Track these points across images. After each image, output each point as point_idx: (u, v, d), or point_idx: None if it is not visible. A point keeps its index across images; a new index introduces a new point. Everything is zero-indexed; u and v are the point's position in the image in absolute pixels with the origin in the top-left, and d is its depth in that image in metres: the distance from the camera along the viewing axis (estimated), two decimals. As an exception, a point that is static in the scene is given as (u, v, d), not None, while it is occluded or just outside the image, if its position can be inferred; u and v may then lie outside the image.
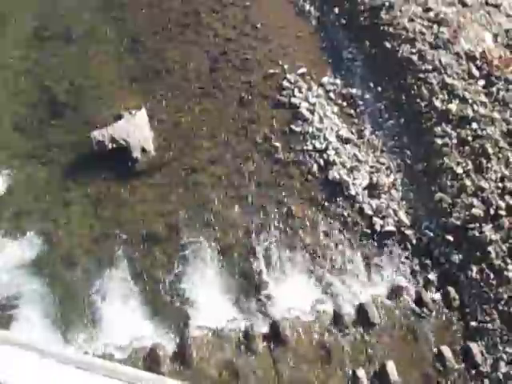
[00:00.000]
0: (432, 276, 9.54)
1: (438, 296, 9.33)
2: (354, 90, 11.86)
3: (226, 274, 9.57)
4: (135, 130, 10.85)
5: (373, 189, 10.50)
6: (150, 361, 8.51)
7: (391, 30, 12.08)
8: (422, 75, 11.28)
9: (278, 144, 11.16)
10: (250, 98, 11.68)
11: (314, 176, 10.70)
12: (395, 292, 9.48)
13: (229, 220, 10.16)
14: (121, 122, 11.00)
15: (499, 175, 9.86)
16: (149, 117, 11.20)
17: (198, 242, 9.86)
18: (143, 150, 10.80)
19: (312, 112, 11.46)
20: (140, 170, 10.72)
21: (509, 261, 9.09)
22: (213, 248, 9.81)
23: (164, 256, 9.76)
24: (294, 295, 9.28)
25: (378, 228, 10.10)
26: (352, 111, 11.59)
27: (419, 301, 9.27)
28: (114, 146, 10.70)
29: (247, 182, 10.64)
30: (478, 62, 11.24)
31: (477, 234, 9.47)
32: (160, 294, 9.30)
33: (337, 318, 9.13)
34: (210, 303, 9.14)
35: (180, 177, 10.71)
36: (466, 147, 10.29)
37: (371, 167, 10.83)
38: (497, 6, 12.12)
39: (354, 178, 10.63)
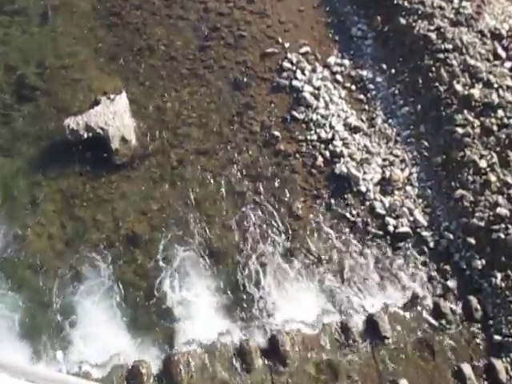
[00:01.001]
0: (451, 284, 9.56)
1: (457, 306, 9.34)
2: (364, 72, 11.89)
3: (218, 281, 9.54)
4: (114, 117, 10.83)
5: (385, 184, 10.50)
6: (132, 380, 8.44)
7: (406, 3, 12.05)
8: (441, 56, 11.28)
9: (277, 133, 11.16)
10: (245, 80, 11.70)
11: (319, 170, 10.70)
12: (410, 302, 9.46)
13: (222, 220, 10.16)
14: (98, 107, 10.95)
15: (528, 169, 9.95)
16: (130, 102, 11.19)
17: (186, 246, 9.86)
18: (123, 140, 10.77)
19: (316, 97, 11.46)
20: (120, 162, 10.67)
21: (539, 267, 9.19)
22: (203, 252, 9.80)
23: (147, 261, 9.70)
24: (295, 305, 9.29)
25: (390, 229, 10.09)
26: (362, 96, 11.61)
27: (437, 312, 9.28)
28: (90, 135, 10.66)
29: (242, 176, 10.65)
30: (504, 42, 11.22)
31: (502, 237, 9.41)
32: (143, 305, 9.27)
33: (344, 331, 9.09)
34: (200, 314, 9.13)
35: (165, 170, 10.67)
36: (491, 138, 10.27)
37: (383, 160, 10.81)
38: (526, -22, 12.26)
39: (364, 173, 10.61)
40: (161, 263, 9.65)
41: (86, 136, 10.64)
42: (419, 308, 9.30)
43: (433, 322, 9.18)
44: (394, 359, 8.84)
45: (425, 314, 9.22)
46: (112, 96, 11.15)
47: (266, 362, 8.74)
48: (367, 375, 8.72)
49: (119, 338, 8.90)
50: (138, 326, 9.05)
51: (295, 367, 8.65)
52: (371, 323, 9.13)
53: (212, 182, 10.60)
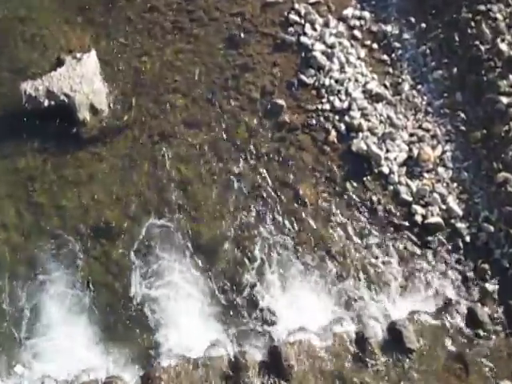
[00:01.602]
0: (491, 286, 9.47)
1: (497, 313, 9.27)
2: (388, 28, 11.75)
3: (209, 281, 9.48)
4: (81, 81, 10.74)
5: (413, 165, 10.38)
6: None
7: None
8: (482, 7, 11.09)
9: (281, 102, 11.03)
10: (242, 36, 11.59)
11: (332, 147, 10.61)
12: (440, 308, 9.43)
13: (213, 208, 10.09)
14: (61, 69, 10.86)
15: None
16: (100, 62, 11.10)
17: (168, 239, 9.77)
18: (93, 109, 10.72)
19: (329, 57, 11.38)
20: (89, 136, 10.59)
21: None
22: (190, 247, 9.72)
23: (122, 257, 9.62)
24: (301, 311, 9.22)
25: (418, 219, 9.99)
26: (385, 57, 11.52)
27: (473, 319, 9.24)
28: (52, 103, 10.60)
29: (239, 154, 10.56)
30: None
31: (553, 229, 9.43)
32: (117, 309, 9.20)
33: (360, 343, 9.01)
34: (186, 321, 9.09)
35: (145, 147, 10.59)
36: (542, 109, 10.22)
37: (411, 135, 10.70)
38: None
39: (387, 150, 10.48)
40: (138, 259, 9.59)
41: (46, 104, 10.58)
42: (451, 315, 9.29)
43: (467, 331, 9.18)
44: (420, 376, 8.78)
45: (458, 323, 9.23)
46: (79, 55, 11.08)
47: (266, 379, 8.70)
48: None
49: (89, 350, 8.86)
50: (111, 335, 9.00)
51: None
52: (393, 333, 9.07)
53: (201, 160, 10.51)
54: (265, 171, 10.41)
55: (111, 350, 8.87)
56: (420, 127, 10.78)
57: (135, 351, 8.89)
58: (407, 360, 8.86)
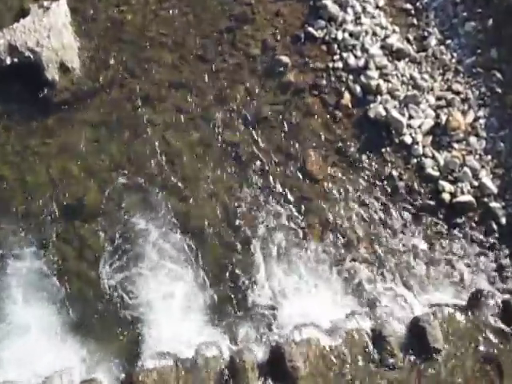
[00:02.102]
0: None
1: None
2: None
3: (201, 270, 9.42)
4: (49, 34, 10.62)
5: (440, 134, 10.30)
6: None
7: None
8: None
9: (285, 59, 10.97)
10: None
11: (345, 112, 10.56)
12: (471, 301, 9.34)
13: (205, 184, 10.03)
14: (26, 20, 10.74)
15: None
16: (72, 12, 11.05)
17: (153, 221, 9.68)
18: (63, 68, 10.59)
19: (343, 6, 11.32)
20: (58, 100, 10.45)
21: None
22: (179, 231, 9.65)
23: (98, 241, 9.55)
24: (308, 305, 9.19)
25: (446, 198, 9.93)
26: (408, 5, 11.46)
27: (508, 314, 9.15)
28: (15, 60, 10.51)
29: (235, 120, 10.49)
30: None
31: None
32: (93, 303, 9.14)
33: (376, 341, 8.90)
34: (175, 317, 9.05)
35: (124, 112, 10.49)
36: None
37: (438, 99, 10.60)
38: None
39: (411, 117, 10.41)
40: (116, 243, 9.54)
41: (9, 62, 10.48)
42: (483, 309, 9.22)
43: (502, 328, 9.08)
44: (446, 380, 8.71)
45: (491, 318, 9.15)
46: (46, 3, 11.01)
47: (267, 382, 8.60)
48: None
49: (60, 349, 8.81)
50: (86, 331, 8.95)
51: None
52: (416, 330, 8.96)
53: (191, 128, 10.44)
54: (266, 141, 10.37)
55: (87, 349, 8.81)
56: (449, 89, 10.74)
57: (115, 350, 8.86)
58: (431, 362, 8.79)
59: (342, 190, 10.08)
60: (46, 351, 8.73)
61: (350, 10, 11.23)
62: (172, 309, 9.11)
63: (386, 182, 10.14)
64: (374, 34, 11.02)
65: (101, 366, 8.72)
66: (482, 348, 8.93)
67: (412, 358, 8.82)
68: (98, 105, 10.49)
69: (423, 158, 10.19)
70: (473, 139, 10.29)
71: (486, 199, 9.91)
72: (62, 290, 9.19)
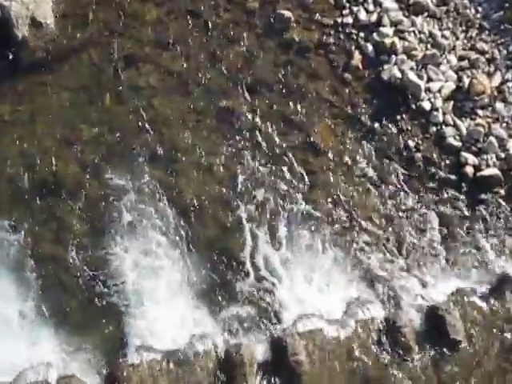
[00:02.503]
0: None
1: None
2: None
3: (192, 253, 9.40)
4: None
5: (462, 99, 10.27)
6: None
7: None
8: None
9: (288, 13, 10.95)
10: None
11: (356, 74, 10.55)
12: (495, 287, 9.38)
13: (197, 156, 9.99)
14: None
15: None
16: None
17: (139, 198, 9.64)
18: (35, 25, 10.51)
19: None
20: (30, 61, 10.35)
21: None
22: (168, 209, 9.62)
23: (76, 221, 9.46)
24: (314, 292, 9.23)
25: (469, 171, 9.91)
26: None
27: None
28: None
29: (231, 84, 10.44)
30: None
31: None
32: (71, 291, 9.08)
33: (390, 333, 8.91)
34: (164, 304, 9.03)
35: (105, 74, 10.38)
36: None
37: (460, 59, 10.58)
38: None
39: (429, 79, 10.38)
40: (97, 224, 9.48)
41: None
42: (510, 296, 9.23)
43: None
44: (467, 376, 8.77)
45: None
46: None
47: (267, 379, 8.59)
48: None
49: (35, 341, 8.73)
50: (64, 321, 8.89)
51: None
52: (433, 320, 9.01)
53: (181, 93, 10.37)
54: (266, 108, 10.32)
55: (65, 342, 8.74)
56: (472, 48, 10.72)
57: (96, 343, 8.80)
58: (451, 355, 8.85)
59: (351, 163, 10.06)
60: (18, 344, 8.67)
61: (359, -48, 11.13)
62: (160, 296, 9.09)
63: (401, 154, 10.12)
64: (389, -17, 10.87)
65: (81, 360, 8.68)
66: (507, 340, 9.01)
67: (429, 350, 8.86)
68: (75, 66, 10.40)
69: (443, 127, 10.16)
70: (499, 105, 10.27)
71: (514, 173, 9.94)
72: (36, 277, 9.11)
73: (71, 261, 9.21)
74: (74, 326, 8.89)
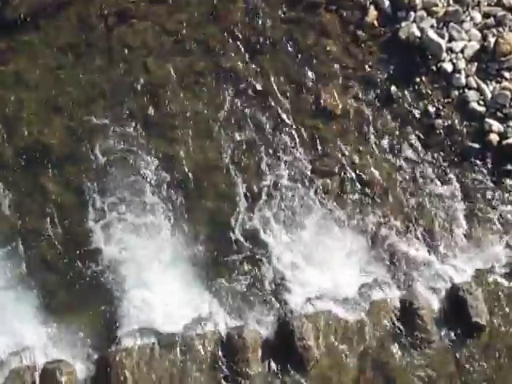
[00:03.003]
0: None
1: None
2: None
3: (191, 227, 9.11)
4: None
5: (487, 60, 9.94)
6: None
7: None
8: None
9: None
10: None
11: (371, 32, 10.26)
12: None
13: (196, 122, 9.67)
14: None
15: None
16: None
17: (133, 167, 9.33)
18: None
19: None
20: (14, 17, 9.99)
21: None
22: (165, 178, 9.34)
23: (66, 193, 9.17)
24: (324, 270, 8.99)
25: (493, 139, 9.58)
26: None
27: None
28: None
29: (233, 42, 10.05)
30: None
31: None
32: (62, 267, 8.85)
33: (407, 316, 8.70)
34: (161, 283, 8.78)
35: (95, 32, 10.04)
36: None
37: (485, 16, 10.20)
38: None
39: (451, 39, 10.05)
40: (88, 195, 9.20)
41: None
42: None
43: None
44: (490, 362, 8.59)
45: None
46: None
47: (272, 365, 8.39)
48: None
49: (22, 324, 8.53)
50: (52, 302, 8.71)
51: (322, 374, 8.39)
52: (454, 302, 8.82)
53: (178, 52, 10.02)
54: (271, 69, 9.99)
55: (53, 324, 8.55)
56: (499, 4, 10.32)
57: (87, 325, 8.61)
58: (473, 339, 8.68)
59: (365, 129, 9.78)
60: (2, 328, 8.49)
61: None
62: (156, 275, 8.88)
63: (419, 120, 9.87)
64: None
65: (70, 344, 8.53)
66: (536, 322, 8.91)
67: (449, 334, 8.71)
68: (62, 23, 10.09)
69: (466, 90, 9.89)
70: (527, 67, 9.92)
71: (542, 144, 9.68)
72: (20, 253, 8.95)
73: (57, 235, 9.06)
74: (61, 306, 8.82)
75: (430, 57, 9.95)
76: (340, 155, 9.61)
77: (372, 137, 9.77)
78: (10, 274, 8.84)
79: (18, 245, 8.97)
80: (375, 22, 10.21)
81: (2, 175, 9.27)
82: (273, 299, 8.81)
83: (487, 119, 9.65)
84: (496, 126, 9.60)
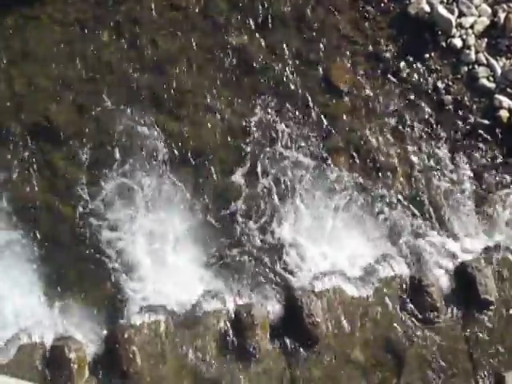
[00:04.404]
0: None
1: None
2: None
3: (199, 205, 8.98)
4: None
5: (498, 36, 9.74)
6: (53, 370, 8.08)
7: None
8: None
9: None
10: None
11: (380, 8, 9.98)
12: None
13: (203, 99, 9.42)
14: None
15: None
16: None
17: (140, 143, 9.13)
18: None
19: None
20: None
21: None
22: (171, 155, 9.13)
23: (73, 169, 8.99)
24: (332, 247, 8.93)
25: (504, 116, 9.45)
26: None
27: None
28: None
29: (241, 18, 9.75)
30: None
31: None
32: (69, 243, 8.74)
33: (416, 293, 8.66)
34: (168, 260, 8.71)
35: (102, 6, 9.67)
36: None
37: None
38: None
39: (461, 14, 9.79)
40: (95, 171, 9.03)
41: None
42: None
43: None
44: (499, 340, 8.59)
45: None
46: None
47: (281, 342, 8.39)
48: (453, 365, 8.47)
49: (29, 301, 8.49)
50: (60, 279, 8.63)
51: (330, 352, 8.38)
52: (463, 279, 8.79)
53: (186, 28, 9.68)
54: (280, 45, 9.68)
55: (61, 301, 8.49)
56: None
57: (96, 302, 8.56)
58: (482, 317, 8.64)
59: (374, 106, 9.57)
60: (11, 304, 8.44)
61: None
62: (164, 252, 8.81)
63: (429, 96, 9.66)
64: None
65: (78, 321, 8.48)
66: (544, 300, 8.88)
67: (458, 312, 8.70)
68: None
69: (476, 66, 9.69)
70: (539, 44, 9.79)
71: (556, 122, 9.56)
72: (30, 231, 8.77)
73: (67, 212, 8.92)
74: (70, 283, 8.72)
75: (439, 33, 9.73)
76: (348, 132, 9.46)
77: (381, 113, 9.58)
78: (19, 251, 8.72)
79: (28, 221, 8.82)
80: (385, -2, 10.00)
81: (10, 151, 9.06)
82: (281, 276, 8.80)
83: (497, 95, 9.51)
84: (506, 102, 9.49)
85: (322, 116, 9.44)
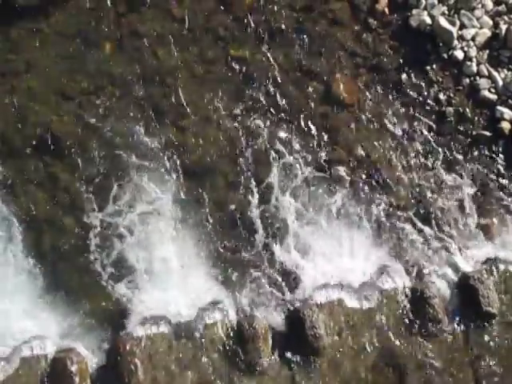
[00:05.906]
0: None
1: None
2: None
3: (201, 216, 8.92)
4: None
5: (499, 47, 9.67)
6: (53, 381, 8.04)
7: None
8: None
9: None
10: None
11: (382, 20, 9.89)
12: None
13: (205, 109, 9.33)
14: None
15: None
16: None
17: (142, 154, 9.06)
18: None
19: None
20: (24, 4, 9.52)
21: None
22: (173, 165, 9.06)
23: (75, 182, 8.87)
24: (334, 259, 8.86)
25: (505, 127, 9.40)
26: None
27: None
28: None
29: (242, 30, 9.67)
30: None
31: None
32: (72, 255, 8.67)
33: (418, 304, 8.61)
34: (170, 273, 8.67)
35: (105, 19, 9.53)
36: None
37: (497, 3, 9.85)
38: None
39: (462, 26, 9.73)
40: (97, 184, 8.95)
41: None
42: None
43: None
44: (502, 353, 8.55)
45: None
46: None
47: (283, 353, 8.32)
48: (455, 377, 8.47)
49: (31, 313, 8.41)
50: (62, 293, 8.56)
51: (333, 363, 8.34)
52: (465, 291, 8.74)
53: (187, 40, 9.58)
54: (281, 57, 9.60)
55: (62, 313, 8.42)
56: None
57: (97, 314, 8.48)
58: (484, 329, 8.62)
59: (376, 118, 9.49)
60: (12, 316, 8.37)
61: None
62: (166, 263, 8.74)
63: (430, 108, 9.58)
64: None
65: (80, 333, 8.41)
66: (548, 313, 8.84)
67: (460, 324, 8.67)
68: (72, 10, 9.54)
69: (477, 78, 9.61)
70: (540, 56, 9.73)
71: (557, 131, 9.46)
72: (31, 241, 8.70)
73: (68, 224, 8.83)
74: (72, 295, 8.63)
75: (440, 44, 9.63)
76: (350, 143, 9.38)
77: (383, 124, 9.49)
78: (21, 263, 8.63)
79: (29, 233, 8.71)
80: (386, 10, 9.84)
81: (12, 164, 8.97)
82: (283, 288, 8.72)
83: (499, 107, 9.44)
84: (508, 113, 9.43)
85: (323, 126, 9.39)
